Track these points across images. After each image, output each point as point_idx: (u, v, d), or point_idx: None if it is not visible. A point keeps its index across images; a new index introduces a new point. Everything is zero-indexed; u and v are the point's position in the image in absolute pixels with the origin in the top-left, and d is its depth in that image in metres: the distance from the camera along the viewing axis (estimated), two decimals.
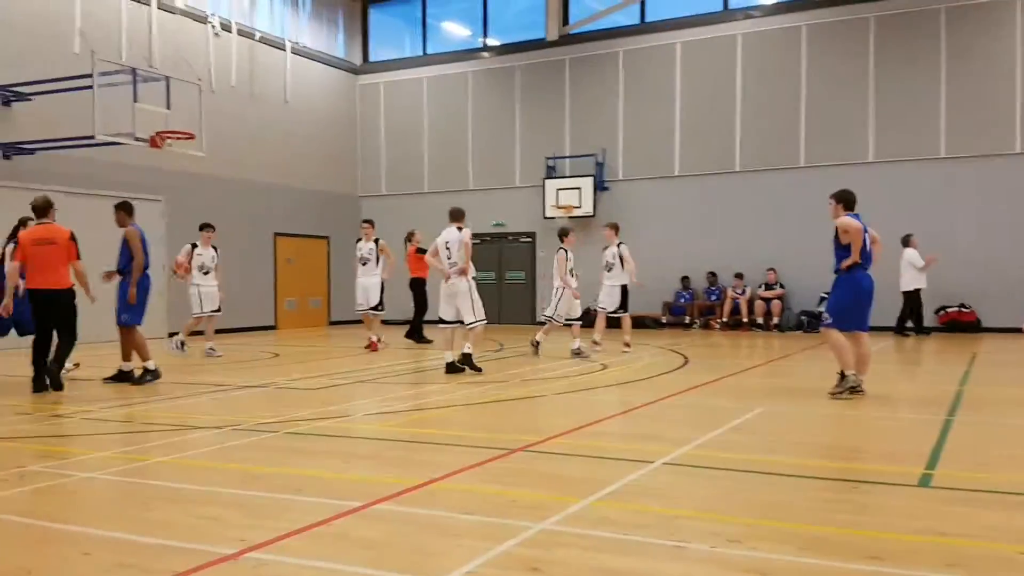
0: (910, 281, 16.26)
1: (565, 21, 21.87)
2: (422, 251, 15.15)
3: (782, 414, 7.59)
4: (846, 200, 8.43)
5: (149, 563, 3.65)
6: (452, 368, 10.67)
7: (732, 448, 6.01)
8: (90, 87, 13.89)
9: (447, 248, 10.86)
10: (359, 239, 15.10)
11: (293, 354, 14.41)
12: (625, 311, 13.63)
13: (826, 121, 18.90)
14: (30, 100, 15.47)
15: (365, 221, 15.39)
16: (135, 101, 14.32)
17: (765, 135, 19.50)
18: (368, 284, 14.72)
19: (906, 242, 16.36)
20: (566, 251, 13.18)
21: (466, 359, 10.70)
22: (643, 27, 20.98)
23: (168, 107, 14.96)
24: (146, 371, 9.91)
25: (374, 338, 14.40)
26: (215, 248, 13.85)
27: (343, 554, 3.75)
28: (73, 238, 9.44)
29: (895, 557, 3.64)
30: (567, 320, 13.15)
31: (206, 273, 13.60)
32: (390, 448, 6.28)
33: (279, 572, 3.55)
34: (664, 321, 19.96)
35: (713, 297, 19.85)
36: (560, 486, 4.99)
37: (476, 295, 10.84)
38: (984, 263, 17.20)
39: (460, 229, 10.89)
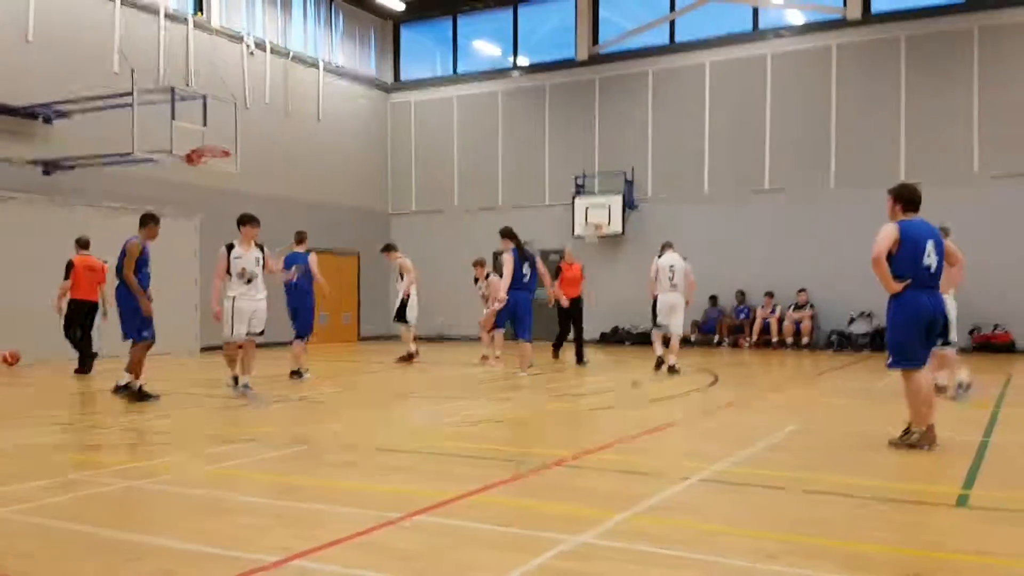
0: None
1: (595, 41, 21.99)
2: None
3: (815, 432, 7.55)
4: (903, 199, 6.69)
5: (194, 570, 3.72)
6: (660, 364, 12.76)
7: (767, 465, 6.00)
8: (129, 105, 14.17)
9: (671, 270, 12.68)
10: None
11: (325, 369, 14.52)
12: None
13: (857, 141, 18.80)
14: (70, 118, 15.79)
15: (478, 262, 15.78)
16: (173, 119, 14.55)
17: (795, 155, 19.43)
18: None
19: None
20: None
21: (672, 369, 12.55)
22: (673, 47, 21.04)
23: (205, 125, 15.21)
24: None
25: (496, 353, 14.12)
26: (261, 247, 10.46)
27: (384, 564, 3.80)
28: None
29: None
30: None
31: (248, 282, 10.10)
32: (425, 461, 6.32)
33: None
34: (692, 339, 19.87)
35: (742, 316, 19.76)
36: (596, 500, 5.01)
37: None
38: (1019, 283, 16.98)
39: (685, 259, 12.93)
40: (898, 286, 6.41)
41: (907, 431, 6.60)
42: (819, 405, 9.70)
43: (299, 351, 12.34)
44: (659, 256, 13.23)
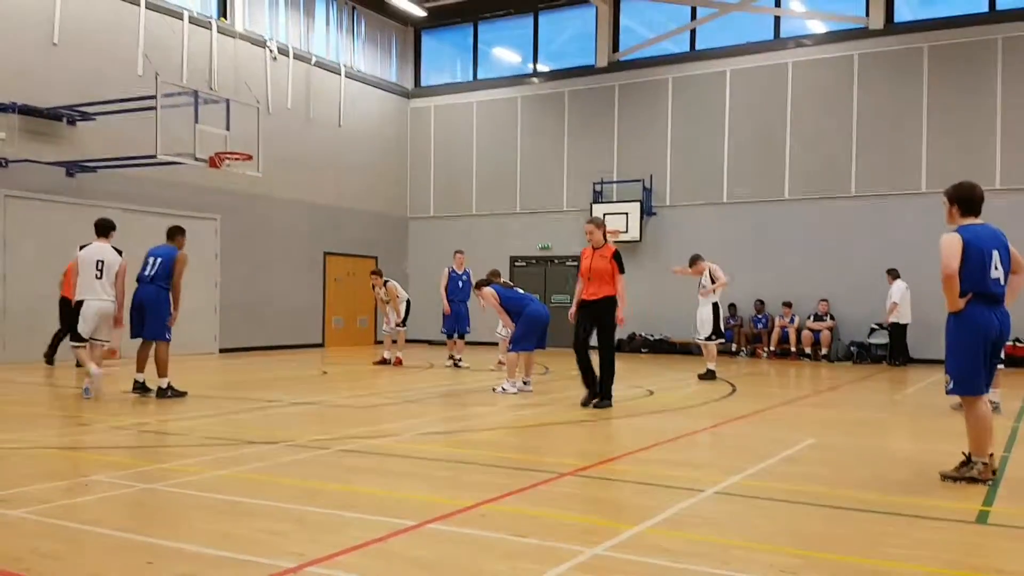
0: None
1: (615, 48, 22.00)
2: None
3: (834, 445, 7.51)
4: (961, 200, 5.86)
5: (212, 574, 3.74)
6: (714, 375, 13.33)
7: (784, 479, 5.97)
8: (152, 108, 14.31)
9: (712, 280, 13.69)
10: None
11: (341, 372, 14.58)
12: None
13: (877, 151, 18.71)
14: (94, 120, 15.95)
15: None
16: (196, 122, 14.68)
17: (815, 164, 19.35)
18: None
19: (896, 274, 16.78)
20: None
21: (710, 373, 13.28)
22: (693, 54, 21.02)
23: (228, 128, 15.33)
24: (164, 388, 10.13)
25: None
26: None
27: (399, 572, 3.81)
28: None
29: None
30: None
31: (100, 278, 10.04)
32: (440, 468, 6.33)
33: None
34: None
35: (760, 325, 19.68)
36: (611, 512, 5.00)
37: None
38: None
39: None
40: (961, 302, 5.62)
41: (966, 462, 5.84)
42: (837, 418, 9.64)
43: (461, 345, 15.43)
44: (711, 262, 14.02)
